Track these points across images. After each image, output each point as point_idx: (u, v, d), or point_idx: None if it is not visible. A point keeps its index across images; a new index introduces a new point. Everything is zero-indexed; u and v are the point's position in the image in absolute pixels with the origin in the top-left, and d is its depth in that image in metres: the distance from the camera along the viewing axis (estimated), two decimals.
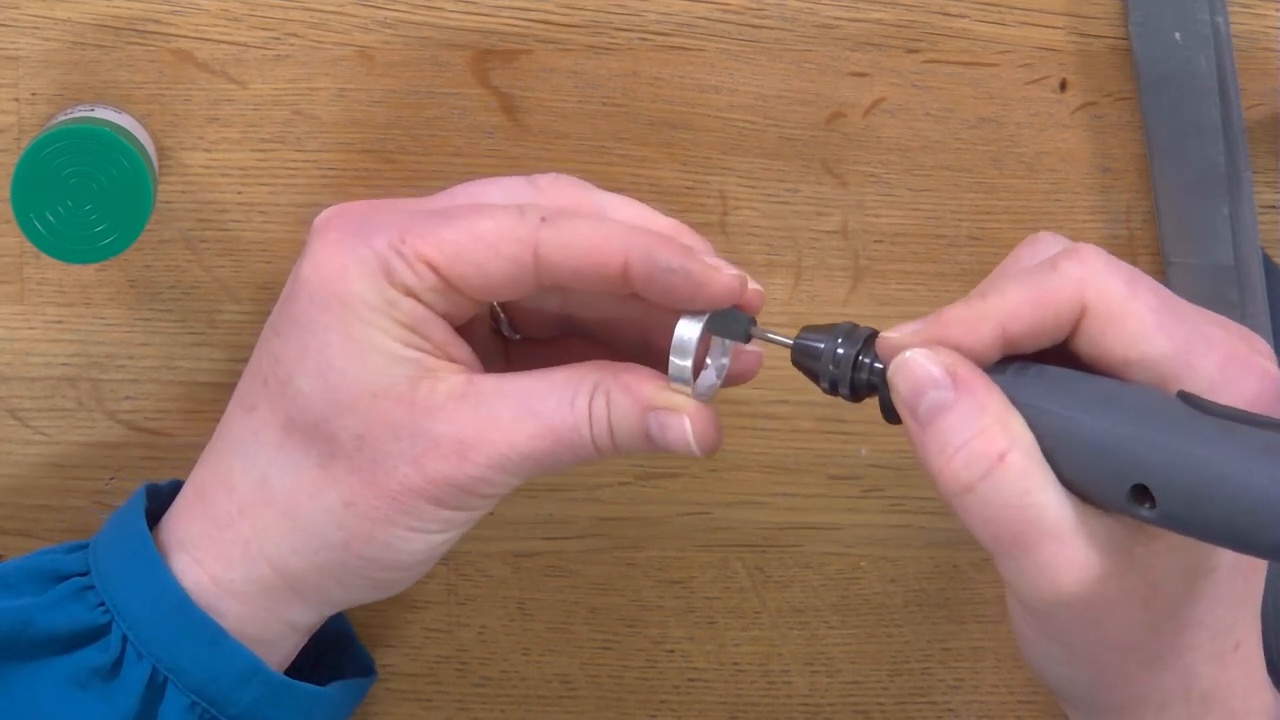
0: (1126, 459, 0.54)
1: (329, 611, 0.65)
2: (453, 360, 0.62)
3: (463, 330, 0.63)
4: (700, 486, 0.75)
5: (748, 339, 0.61)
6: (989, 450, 0.55)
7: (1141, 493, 0.54)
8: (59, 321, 0.72)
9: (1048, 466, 0.56)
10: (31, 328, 0.72)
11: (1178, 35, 0.71)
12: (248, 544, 0.63)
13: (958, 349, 0.57)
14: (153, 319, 0.72)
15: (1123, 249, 0.73)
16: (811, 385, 0.59)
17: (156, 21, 0.70)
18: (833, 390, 0.60)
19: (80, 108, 0.69)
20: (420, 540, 0.62)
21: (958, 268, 0.73)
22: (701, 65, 0.72)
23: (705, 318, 0.60)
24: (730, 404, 0.74)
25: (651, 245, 0.60)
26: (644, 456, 0.74)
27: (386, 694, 0.75)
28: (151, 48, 0.71)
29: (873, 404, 0.59)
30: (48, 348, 0.72)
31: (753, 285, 0.61)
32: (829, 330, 0.60)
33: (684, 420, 0.60)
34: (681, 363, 0.60)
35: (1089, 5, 0.72)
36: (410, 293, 0.60)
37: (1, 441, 0.73)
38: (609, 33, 0.72)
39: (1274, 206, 0.73)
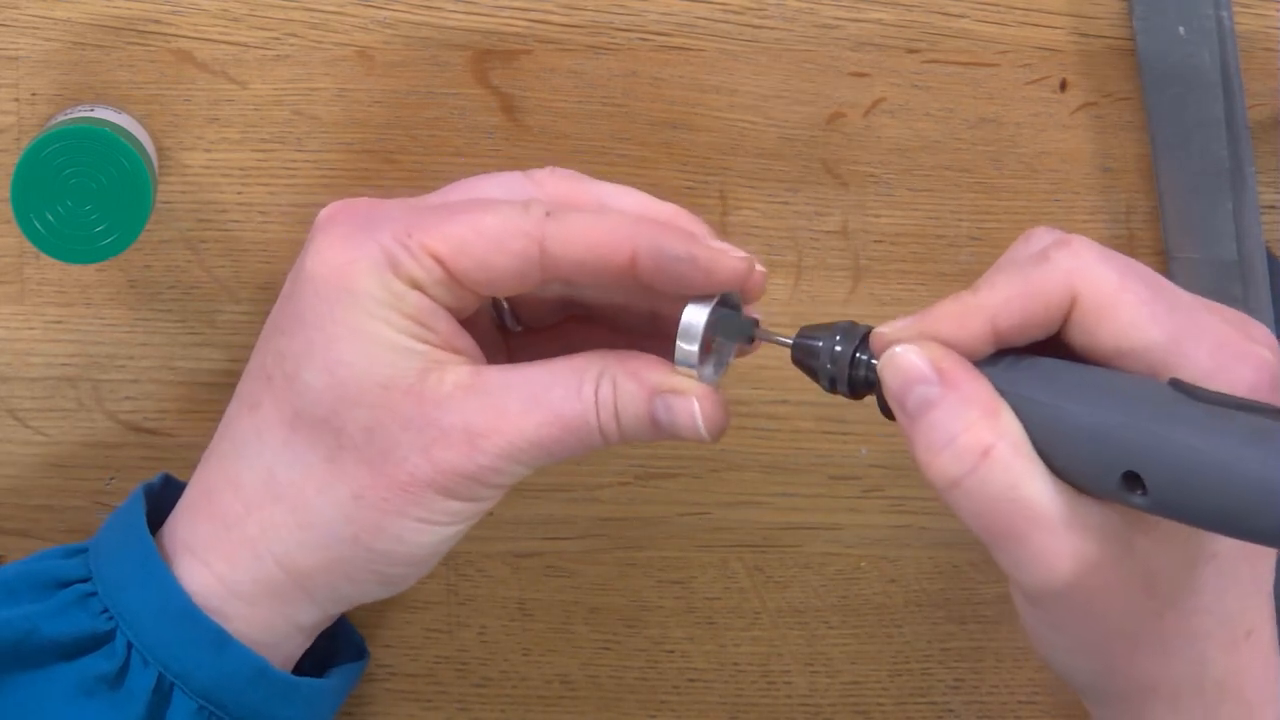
0: (1117, 446, 0.55)
1: (335, 610, 0.65)
2: (457, 352, 0.62)
3: (465, 323, 0.63)
4: (700, 486, 0.74)
5: (752, 340, 0.62)
6: (974, 445, 0.56)
7: (1133, 480, 0.54)
8: (59, 321, 0.72)
9: (1036, 458, 0.56)
10: (31, 328, 0.72)
11: (1182, 29, 0.71)
12: (255, 543, 0.63)
13: (949, 344, 0.57)
14: (153, 319, 0.72)
15: (1123, 249, 0.73)
16: (812, 385, 0.60)
17: (156, 21, 0.70)
18: (832, 388, 0.60)
19: (80, 108, 0.69)
20: (429, 533, 0.62)
21: (958, 268, 0.73)
22: (701, 65, 0.72)
23: (713, 302, 0.60)
24: (730, 404, 0.73)
25: (657, 235, 0.60)
26: (644, 455, 0.74)
27: (386, 694, 0.75)
28: (151, 48, 0.71)
29: (872, 404, 0.59)
30: (48, 348, 0.72)
31: (759, 267, 0.61)
32: (828, 329, 0.60)
33: (692, 402, 0.60)
34: (688, 347, 0.60)
35: (1089, 5, 0.72)
36: (416, 285, 0.60)
37: (1, 441, 0.73)
38: (609, 33, 0.72)
39: (1275, 207, 0.73)
